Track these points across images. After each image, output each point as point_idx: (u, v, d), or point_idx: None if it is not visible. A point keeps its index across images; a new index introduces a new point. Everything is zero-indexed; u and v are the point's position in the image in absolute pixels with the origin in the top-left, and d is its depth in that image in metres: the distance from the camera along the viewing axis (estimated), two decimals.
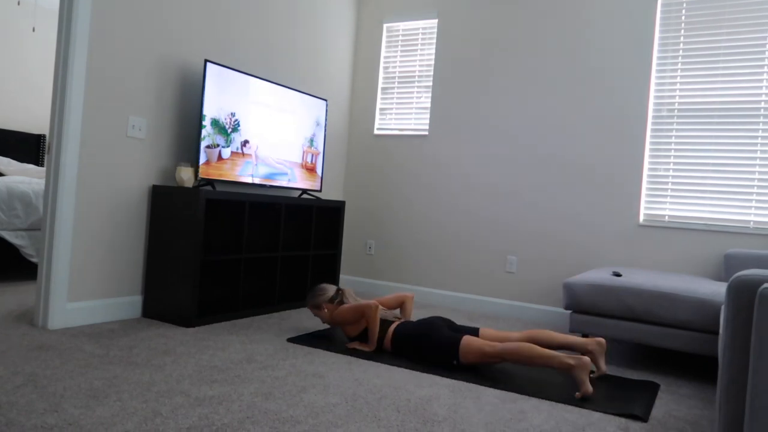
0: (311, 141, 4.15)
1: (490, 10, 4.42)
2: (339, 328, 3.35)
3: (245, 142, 3.55)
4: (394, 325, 2.89)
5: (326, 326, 3.42)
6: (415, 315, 4.03)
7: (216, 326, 3.18)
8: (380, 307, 3.02)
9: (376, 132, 4.88)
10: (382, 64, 4.90)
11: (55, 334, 2.77)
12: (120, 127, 3.12)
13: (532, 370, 2.77)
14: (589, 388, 2.34)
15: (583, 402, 2.33)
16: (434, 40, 4.67)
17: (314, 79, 4.54)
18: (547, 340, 2.67)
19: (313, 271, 4.37)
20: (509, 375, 2.65)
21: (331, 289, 3.13)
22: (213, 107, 3.30)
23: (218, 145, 3.35)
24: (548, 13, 4.21)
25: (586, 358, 2.37)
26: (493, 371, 2.69)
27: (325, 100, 4.26)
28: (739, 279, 1.51)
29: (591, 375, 2.59)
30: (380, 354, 2.83)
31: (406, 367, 2.65)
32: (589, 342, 2.62)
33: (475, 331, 2.84)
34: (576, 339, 2.63)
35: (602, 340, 2.62)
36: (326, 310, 3.07)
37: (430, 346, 2.71)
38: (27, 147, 5.50)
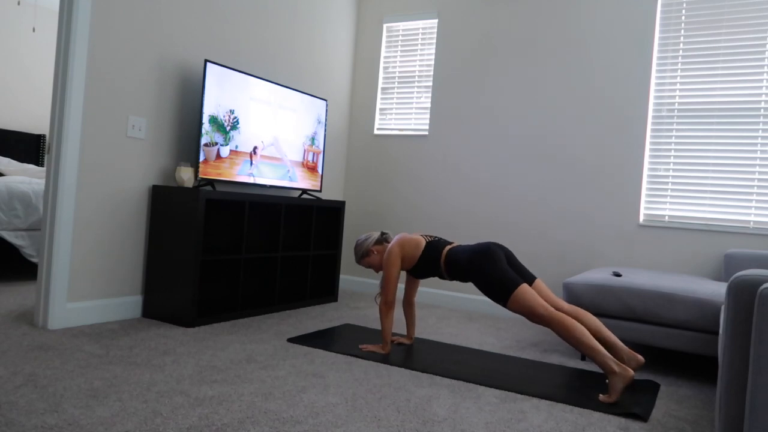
0: (312, 139, 4.15)
1: (490, 10, 4.42)
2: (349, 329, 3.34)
3: (254, 150, 3.55)
4: (446, 249, 2.78)
5: (326, 326, 3.42)
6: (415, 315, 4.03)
7: (216, 326, 3.18)
8: (427, 238, 2.88)
9: (376, 132, 4.88)
10: (382, 64, 4.90)
11: (55, 334, 2.77)
12: (120, 127, 3.12)
13: (531, 368, 2.77)
14: (617, 399, 2.29)
15: (584, 402, 2.33)
16: (434, 40, 4.66)
17: (314, 79, 4.54)
18: (594, 330, 2.55)
19: (313, 271, 4.37)
20: (509, 375, 2.65)
21: (372, 235, 3.02)
22: (212, 105, 3.31)
23: (216, 143, 3.35)
24: (548, 13, 4.21)
25: (631, 373, 2.29)
26: (492, 371, 2.69)
27: (325, 100, 4.26)
28: (739, 279, 1.51)
29: (607, 381, 2.50)
30: (382, 355, 2.84)
31: (406, 367, 2.65)
32: (629, 353, 2.51)
33: (531, 280, 2.72)
34: (620, 345, 2.53)
35: (642, 360, 2.50)
36: (376, 254, 2.99)
37: (483, 278, 2.59)
38: (27, 147, 5.50)
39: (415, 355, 2.89)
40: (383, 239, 3.03)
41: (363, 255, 3.02)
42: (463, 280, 2.75)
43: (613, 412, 2.24)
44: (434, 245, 2.85)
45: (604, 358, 2.32)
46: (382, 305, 2.84)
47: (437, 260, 2.80)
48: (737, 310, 1.50)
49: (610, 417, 2.20)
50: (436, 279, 4.53)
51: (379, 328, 3.49)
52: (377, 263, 3.02)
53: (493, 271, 2.60)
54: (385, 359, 2.75)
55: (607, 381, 2.38)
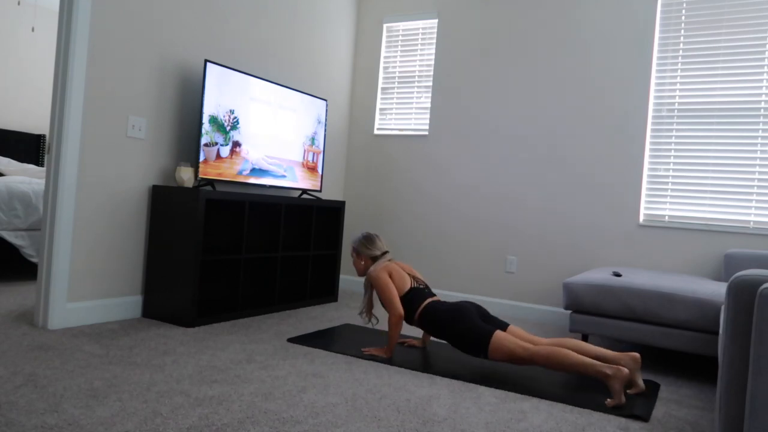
0: (312, 140, 4.15)
1: (490, 11, 4.42)
2: (341, 331, 3.35)
3: (236, 144, 3.55)
4: (428, 301, 2.79)
5: (326, 326, 3.42)
6: None
7: (216, 326, 3.18)
8: (413, 282, 2.88)
9: (376, 132, 4.88)
10: (382, 64, 4.90)
11: (55, 334, 2.77)
12: (120, 127, 3.12)
13: (530, 369, 2.77)
14: (623, 399, 2.27)
15: (584, 402, 2.33)
16: (434, 40, 4.67)
17: (314, 79, 4.54)
18: (576, 349, 2.53)
19: (313, 271, 4.37)
20: (509, 375, 2.65)
21: (378, 248, 2.99)
22: (212, 105, 3.31)
23: (216, 143, 3.35)
24: (548, 14, 4.21)
25: (625, 370, 2.28)
26: (492, 371, 2.69)
27: (325, 100, 4.26)
28: (739, 279, 1.51)
29: (627, 391, 2.47)
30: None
31: (406, 367, 2.65)
32: (621, 357, 2.45)
33: (504, 327, 2.71)
34: (608, 352, 2.49)
35: (636, 355, 2.45)
36: (363, 263, 3.00)
37: (457, 335, 2.61)
38: (27, 147, 5.50)
39: (415, 355, 2.89)
40: (372, 255, 2.98)
41: (356, 251, 3.01)
42: (433, 335, 2.75)
43: (614, 412, 2.24)
44: (418, 293, 2.84)
45: (594, 366, 2.33)
46: (395, 318, 2.77)
47: (414, 309, 2.80)
48: (737, 310, 1.50)
49: (610, 417, 2.20)
50: (434, 278, 4.53)
51: (379, 328, 3.49)
52: (359, 269, 3.03)
53: (466, 327, 2.61)
54: (384, 359, 2.75)
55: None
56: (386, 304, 2.80)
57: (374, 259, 2.99)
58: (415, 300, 2.81)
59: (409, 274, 2.93)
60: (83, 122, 2.94)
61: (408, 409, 2.13)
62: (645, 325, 2.89)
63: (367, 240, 3.01)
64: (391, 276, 2.87)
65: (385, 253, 3.00)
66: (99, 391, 2.06)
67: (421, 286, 2.89)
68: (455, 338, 2.64)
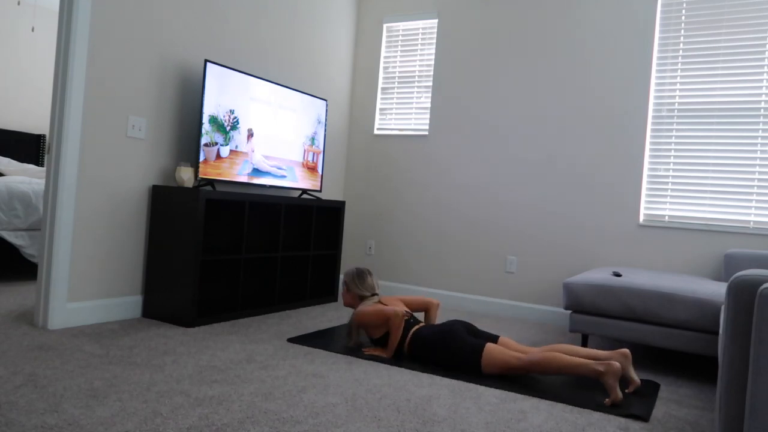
0: (312, 139, 4.15)
1: (490, 11, 4.42)
2: (342, 330, 3.35)
3: (250, 134, 3.55)
4: (414, 329, 2.80)
5: (326, 326, 3.42)
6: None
7: (216, 326, 3.18)
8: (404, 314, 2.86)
9: (376, 132, 4.88)
10: (382, 64, 4.90)
11: (55, 334, 2.77)
12: (120, 127, 3.12)
13: None
14: (619, 394, 2.29)
15: (584, 402, 2.33)
16: (434, 40, 4.66)
17: (314, 79, 4.54)
18: (568, 352, 2.55)
19: (313, 271, 4.37)
20: (509, 375, 2.65)
21: (368, 288, 3.00)
22: (212, 105, 3.31)
23: (216, 143, 3.35)
24: (548, 13, 4.21)
25: (617, 364, 2.30)
26: None
27: (325, 100, 4.26)
28: (739, 279, 1.51)
29: (626, 390, 2.49)
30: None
31: (406, 367, 2.65)
32: (612, 354, 2.50)
33: (495, 339, 2.74)
34: (599, 352, 2.52)
35: (626, 351, 2.49)
36: (350, 299, 3.03)
37: (449, 355, 2.63)
38: (27, 147, 5.50)
39: None
40: (360, 294, 3.00)
41: (347, 285, 3.04)
42: (426, 360, 2.74)
43: (614, 412, 2.24)
44: (405, 324, 2.84)
45: (587, 366, 2.35)
46: (397, 320, 2.77)
47: (403, 340, 2.80)
48: (737, 310, 1.50)
49: (610, 417, 2.20)
50: (435, 278, 4.53)
51: None
52: (346, 302, 3.06)
53: (457, 346, 2.63)
54: (385, 360, 2.75)
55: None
56: (384, 321, 2.80)
57: (362, 297, 3.01)
58: (405, 330, 2.82)
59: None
60: (83, 122, 2.94)
61: (408, 409, 2.13)
62: (645, 325, 2.89)
63: (359, 277, 3.02)
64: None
65: (374, 294, 3.02)
66: (99, 391, 2.06)
67: (406, 317, 2.89)
68: (448, 358, 2.65)
